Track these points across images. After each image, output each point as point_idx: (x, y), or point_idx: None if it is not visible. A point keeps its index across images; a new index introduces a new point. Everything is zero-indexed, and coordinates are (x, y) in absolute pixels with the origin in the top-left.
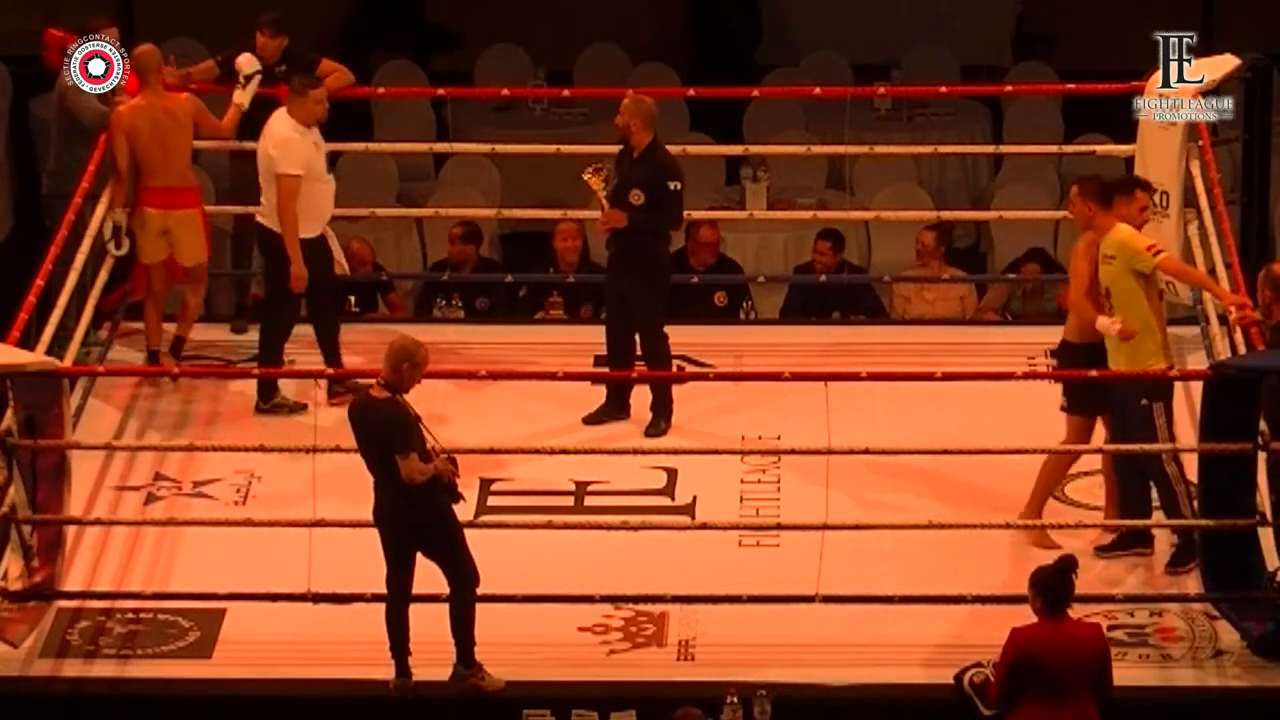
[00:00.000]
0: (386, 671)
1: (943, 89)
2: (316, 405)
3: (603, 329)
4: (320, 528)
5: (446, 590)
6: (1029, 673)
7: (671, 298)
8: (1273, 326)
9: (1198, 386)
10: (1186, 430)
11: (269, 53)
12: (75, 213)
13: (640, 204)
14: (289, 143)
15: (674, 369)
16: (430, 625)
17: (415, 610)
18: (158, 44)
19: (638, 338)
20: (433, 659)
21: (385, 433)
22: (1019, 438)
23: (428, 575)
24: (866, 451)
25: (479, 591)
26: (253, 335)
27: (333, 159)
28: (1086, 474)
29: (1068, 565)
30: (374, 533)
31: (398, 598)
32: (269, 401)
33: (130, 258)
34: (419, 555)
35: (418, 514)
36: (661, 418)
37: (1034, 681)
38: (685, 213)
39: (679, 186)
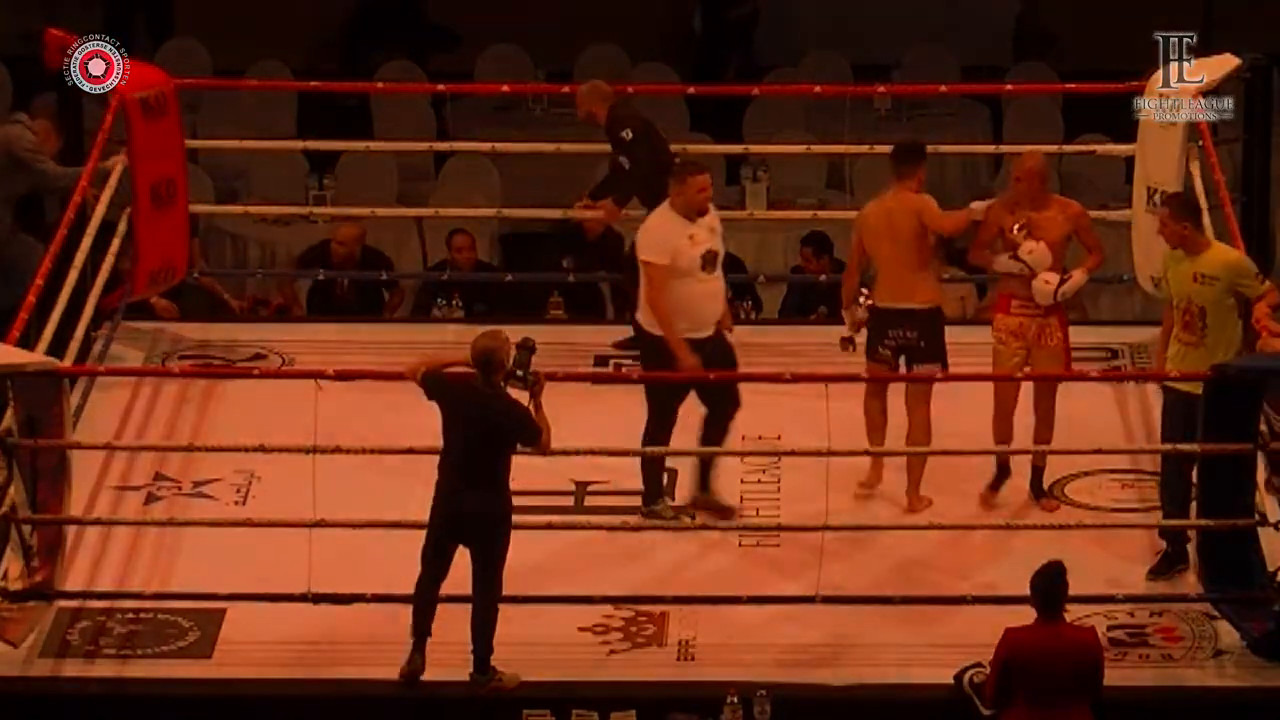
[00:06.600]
0: (387, 671)
1: (943, 89)
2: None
3: (602, 329)
4: (320, 528)
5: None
6: (1019, 673)
7: None
8: None
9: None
10: None
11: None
12: (75, 211)
13: None
14: (649, 230)
15: None
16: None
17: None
18: (156, 44)
19: None
20: (434, 659)
21: (513, 426)
22: (1019, 438)
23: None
24: (866, 452)
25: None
26: (251, 335)
27: (333, 159)
28: (1087, 474)
29: (1060, 568)
30: (374, 533)
31: (431, 577)
32: (649, 505)
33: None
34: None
35: (494, 510)
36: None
37: (1025, 682)
38: None
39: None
